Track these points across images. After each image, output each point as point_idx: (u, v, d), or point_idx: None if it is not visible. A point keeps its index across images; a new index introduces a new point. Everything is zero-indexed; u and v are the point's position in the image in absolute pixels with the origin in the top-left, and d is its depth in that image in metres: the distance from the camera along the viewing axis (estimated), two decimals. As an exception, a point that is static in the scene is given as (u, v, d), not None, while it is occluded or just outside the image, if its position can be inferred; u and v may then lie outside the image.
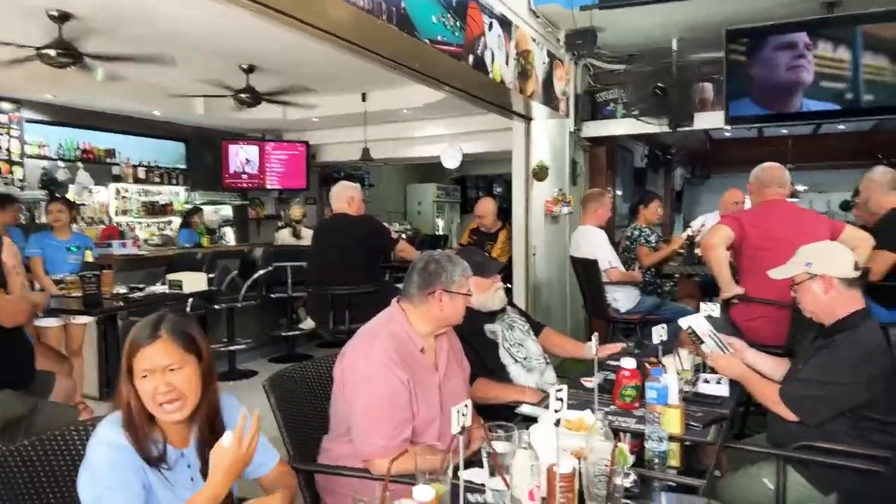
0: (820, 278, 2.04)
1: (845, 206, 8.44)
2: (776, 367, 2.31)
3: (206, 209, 8.41)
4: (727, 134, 9.72)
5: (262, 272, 5.37)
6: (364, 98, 6.97)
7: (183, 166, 8.33)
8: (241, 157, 8.47)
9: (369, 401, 1.78)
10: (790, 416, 1.98)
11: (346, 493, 1.74)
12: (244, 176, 8.49)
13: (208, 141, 8.36)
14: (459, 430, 1.27)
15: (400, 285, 4.41)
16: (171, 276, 4.42)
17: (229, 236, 8.67)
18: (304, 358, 5.02)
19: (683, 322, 2.36)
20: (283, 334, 5.84)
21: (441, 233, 10.92)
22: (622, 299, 4.34)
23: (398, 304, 1.99)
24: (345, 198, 4.07)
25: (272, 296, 5.63)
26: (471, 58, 3.48)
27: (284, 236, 6.82)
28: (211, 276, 5.13)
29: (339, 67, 5.67)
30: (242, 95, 5.94)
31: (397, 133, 8.05)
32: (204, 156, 8.44)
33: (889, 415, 1.94)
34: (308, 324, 5.56)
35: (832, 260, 2.06)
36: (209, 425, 1.50)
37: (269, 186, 8.70)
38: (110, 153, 7.44)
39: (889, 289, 3.69)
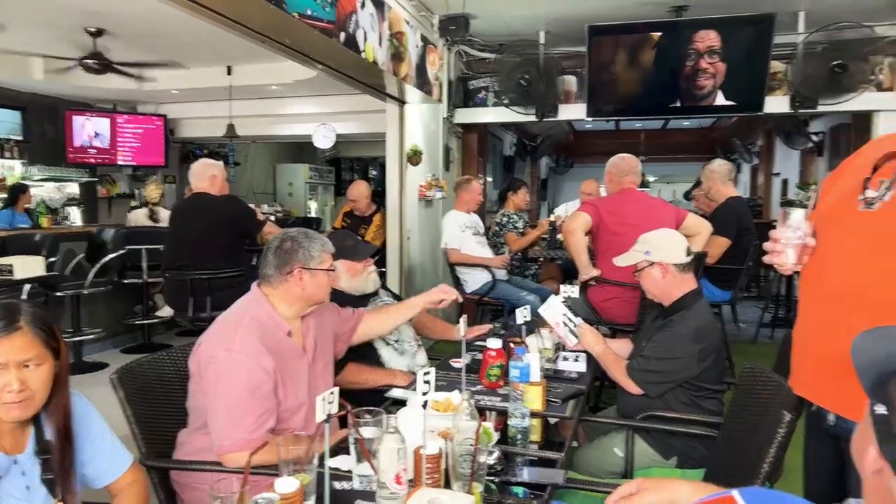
0: (657, 264, 2.24)
1: (688, 195, 9.27)
2: (621, 347, 2.51)
3: (48, 186, 7.57)
4: (588, 126, 10.33)
5: (112, 256, 4.93)
6: (229, 71, 6.58)
7: (18, 137, 7.41)
8: (89, 129, 7.69)
9: (230, 393, 1.68)
10: (636, 391, 2.16)
11: (203, 489, 1.65)
12: (92, 150, 7.72)
13: (49, 110, 7.50)
14: (325, 418, 1.24)
15: (268, 270, 4.24)
16: None
17: (75, 216, 7.87)
18: (161, 348, 4.69)
19: (540, 311, 2.48)
20: (138, 322, 5.43)
21: (314, 215, 10.65)
22: (470, 281, 4.52)
23: (259, 288, 1.90)
24: (206, 176, 3.83)
25: (125, 281, 5.20)
26: (342, 35, 3.40)
27: (139, 217, 6.29)
28: (52, 259, 4.64)
29: (202, 37, 5.30)
30: (88, 62, 5.38)
31: (266, 110, 7.70)
32: (44, 126, 7.57)
33: (718, 384, 2.17)
34: (166, 311, 5.20)
35: (667, 248, 2.26)
36: (61, 431, 1.36)
37: (121, 163, 7.98)
38: (-75, 119, 6.47)
39: (723, 271, 4.12)
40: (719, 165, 4.42)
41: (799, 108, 5.16)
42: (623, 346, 2.54)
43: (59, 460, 1.36)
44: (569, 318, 2.42)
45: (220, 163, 4.04)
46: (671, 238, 2.33)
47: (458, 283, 4.54)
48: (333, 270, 1.97)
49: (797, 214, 1.46)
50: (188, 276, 3.72)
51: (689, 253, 2.25)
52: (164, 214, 5.97)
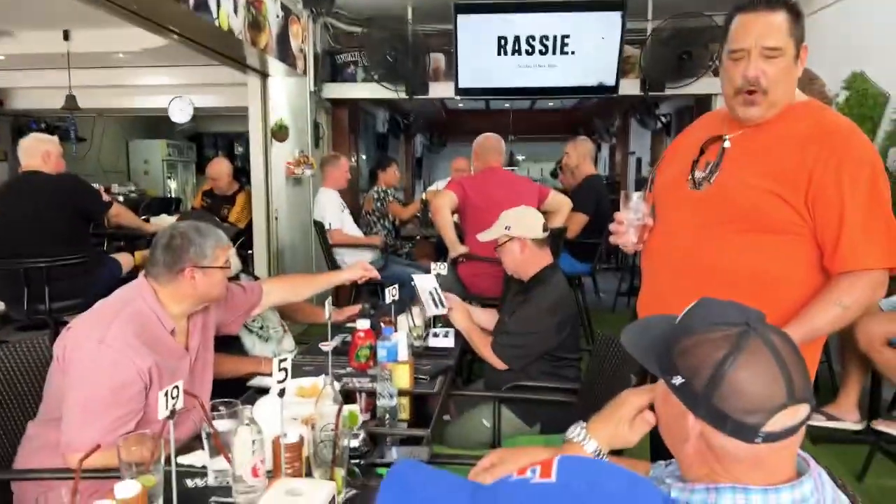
0: (517, 239, 2.32)
1: (554, 174, 9.72)
2: (488, 318, 2.60)
3: None
4: (460, 105, 10.46)
5: (-73, 244, 4.30)
6: (66, 36, 5.90)
7: None
8: None
9: (90, 389, 1.54)
10: (500, 366, 2.23)
11: (45, 492, 1.48)
12: None
13: None
14: (168, 414, 1.15)
15: (118, 255, 3.90)
16: None
17: None
18: (-6, 345, 4.19)
19: (415, 277, 2.53)
20: (-34, 319, 4.80)
21: (173, 195, 9.95)
22: (350, 262, 4.44)
23: (146, 280, 1.74)
24: (39, 152, 3.41)
25: (-55, 273, 4.57)
26: (191, 0, 3.15)
27: (-39, 199, 5.55)
28: None
29: (29, -5, 4.71)
30: None
31: (113, 80, 6.99)
32: None
33: (575, 352, 2.30)
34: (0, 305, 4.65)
35: (526, 224, 2.36)
36: None
37: (-64, 137, 6.99)
38: None
39: (582, 245, 4.37)
40: (587, 143, 4.69)
41: (649, 91, 5.53)
42: (490, 317, 2.62)
43: None
44: (436, 290, 2.48)
45: (55, 138, 3.62)
46: (529, 215, 2.41)
47: (334, 265, 4.43)
48: (229, 268, 1.85)
49: (636, 197, 1.56)
50: (20, 264, 3.32)
51: (545, 229, 2.35)
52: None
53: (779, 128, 1.47)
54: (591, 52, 5.26)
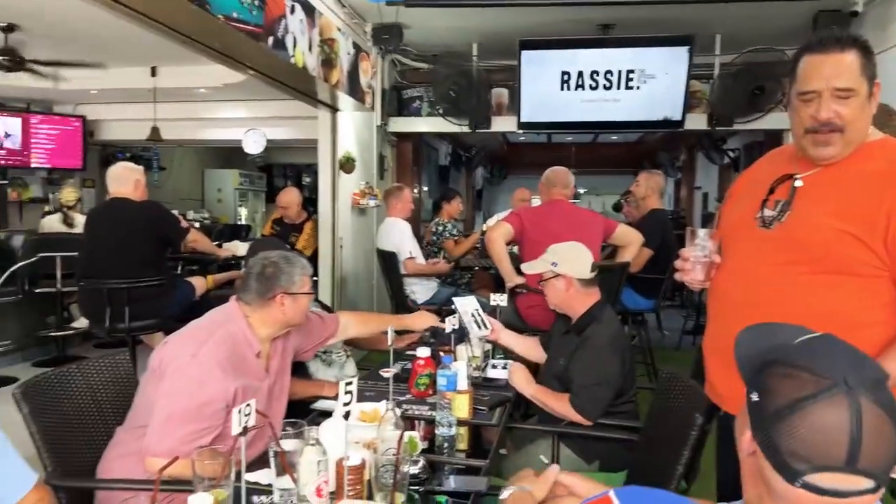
0: (562, 276, 2.28)
1: (617, 207, 9.58)
2: (529, 346, 2.58)
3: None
4: (521, 138, 10.54)
5: (23, 263, 4.64)
6: (154, 72, 6.34)
7: (-82, 136, 6.90)
8: (-1, 129, 7.24)
9: (178, 399, 1.66)
10: (585, 422, 2.13)
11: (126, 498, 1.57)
12: (2, 152, 7.27)
13: (-47, 108, 7.02)
14: (241, 430, 1.20)
15: (193, 279, 4.09)
16: None
17: (-18, 222, 7.37)
18: (76, 360, 4.43)
19: (455, 300, 2.54)
20: (52, 334, 5.11)
21: (244, 222, 10.37)
22: (420, 291, 4.49)
23: (238, 305, 1.89)
24: (130, 181, 3.65)
25: (37, 290, 4.90)
26: (270, 39, 3.34)
27: (52, 223, 5.94)
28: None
29: (125, 37, 5.07)
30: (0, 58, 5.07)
31: (193, 113, 7.45)
32: (-53, 125, 7.08)
33: (632, 387, 2.24)
34: (82, 322, 4.93)
35: (573, 262, 2.30)
36: None
37: (34, 165, 7.54)
38: None
39: (646, 280, 4.28)
40: (659, 176, 4.64)
41: (716, 125, 5.43)
42: (530, 346, 2.60)
43: None
44: (478, 312, 2.47)
45: (142, 167, 3.87)
46: (579, 253, 2.35)
47: (402, 295, 4.48)
48: (313, 294, 2.00)
49: (702, 233, 1.55)
50: (104, 284, 3.53)
51: (593, 269, 2.31)
52: (81, 220, 5.66)
53: (853, 166, 1.42)
54: (656, 87, 5.23)
